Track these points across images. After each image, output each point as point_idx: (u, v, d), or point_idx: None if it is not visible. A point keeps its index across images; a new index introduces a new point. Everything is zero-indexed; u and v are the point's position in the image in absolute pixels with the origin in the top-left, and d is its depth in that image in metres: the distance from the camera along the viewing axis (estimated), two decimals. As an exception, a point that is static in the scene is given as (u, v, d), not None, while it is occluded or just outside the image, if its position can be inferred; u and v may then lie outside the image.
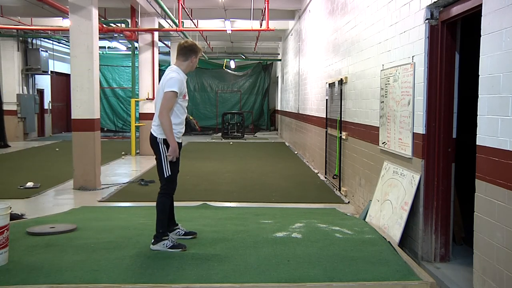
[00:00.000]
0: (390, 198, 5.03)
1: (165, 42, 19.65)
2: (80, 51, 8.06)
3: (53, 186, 8.33)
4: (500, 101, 3.14)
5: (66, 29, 12.87)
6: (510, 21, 3.05)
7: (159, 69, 14.30)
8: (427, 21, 4.31)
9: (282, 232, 4.92)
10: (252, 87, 23.81)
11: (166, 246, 4.28)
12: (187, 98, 4.50)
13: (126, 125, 21.03)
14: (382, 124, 5.50)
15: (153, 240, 4.34)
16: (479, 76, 3.40)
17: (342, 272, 3.81)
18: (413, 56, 4.58)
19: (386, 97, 5.34)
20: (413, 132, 4.60)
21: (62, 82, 21.15)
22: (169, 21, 13.91)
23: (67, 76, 18.85)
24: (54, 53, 19.82)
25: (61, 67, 20.73)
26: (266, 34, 17.37)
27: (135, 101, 13.63)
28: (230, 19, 15.13)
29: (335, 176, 8.15)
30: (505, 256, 3.10)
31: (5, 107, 16.05)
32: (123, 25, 13.50)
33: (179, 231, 4.69)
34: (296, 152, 14.12)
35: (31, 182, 8.31)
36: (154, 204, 4.43)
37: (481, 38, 3.38)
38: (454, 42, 4.32)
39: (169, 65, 3.92)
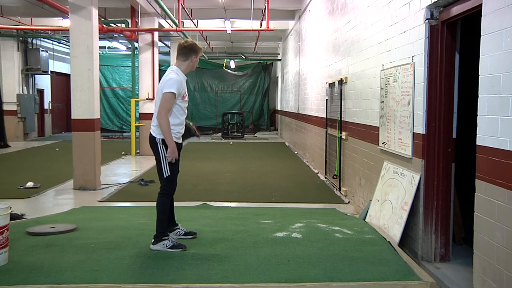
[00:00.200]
0: (390, 198, 5.03)
1: (165, 42, 19.64)
2: (80, 51, 8.06)
3: (53, 186, 8.33)
4: (500, 101, 3.14)
5: (66, 29, 12.87)
6: (510, 21, 3.05)
7: (159, 69, 14.30)
8: (427, 21, 4.31)
9: (282, 232, 4.92)
10: (252, 87, 23.80)
11: (166, 246, 4.28)
12: (186, 99, 4.47)
13: (126, 125, 21.03)
14: (382, 124, 5.50)
15: (153, 240, 4.34)
16: (479, 76, 3.40)
17: (342, 272, 3.81)
18: (413, 56, 4.58)
19: (386, 97, 5.34)
20: (413, 132, 4.60)
21: (62, 82, 21.15)
22: (169, 21, 13.91)
23: (67, 76, 18.85)
24: (54, 53, 19.82)
25: (61, 67, 20.73)
26: (266, 34, 17.37)
27: (135, 101, 13.64)
28: (230, 19, 15.13)
29: (335, 176, 8.15)
30: (505, 256, 3.10)
31: (5, 107, 16.05)
32: (123, 25, 13.50)
33: (179, 231, 4.69)
34: (296, 152, 14.12)
35: (31, 182, 8.31)
36: (154, 204, 4.43)
37: (481, 38, 3.38)
38: (454, 42, 4.32)
39: (169, 65, 3.91)
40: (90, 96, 8.10)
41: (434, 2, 4.16)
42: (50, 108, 20.32)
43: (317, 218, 5.71)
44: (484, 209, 3.34)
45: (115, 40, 18.17)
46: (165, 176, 4.34)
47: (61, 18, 14.41)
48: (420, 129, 4.45)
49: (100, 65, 12.58)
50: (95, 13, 8.16)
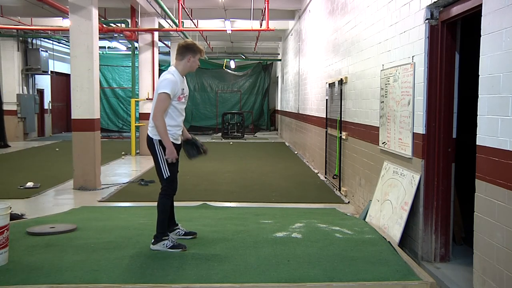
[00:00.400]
0: (390, 198, 5.03)
1: (165, 42, 19.65)
2: (80, 51, 8.06)
3: (53, 186, 8.33)
4: (500, 101, 3.14)
5: (66, 29, 12.87)
6: (510, 21, 3.05)
7: (159, 69, 14.30)
8: (427, 21, 4.31)
9: (282, 232, 4.92)
10: (252, 87, 23.80)
11: (166, 246, 4.28)
12: (183, 100, 4.40)
13: (126, 125, 21.02)
14: (382, 124, 5.50)
15: (153, 240, 4.34)
16: (479, 76, 3.40)
17: (342, 272, 3.81)
18: (413, 56, 4.58)
19: (386, 97, 5.34)
20: (413, 132, 4.60)
21: (62, 82, 21.15)
22: (169, 21, 13.91)
23: (67, 76, 18.85)
24: (54, 53, 19.82)
25: (61, 67, 20.73)
26: (266, 34, 17.37)
27: (135, 101, 13.64)
28: (230, 19, 15.13)
29: (335, 176, 8.15)
30: (505, 256, 3.10)
31: (5, 107, 16.05)
32: (123, 25, 13.50)
33: (179, 231, 4.69)
34: (296, 152, 14.12)
35: (31, 182, 8.31)
36: (154, 204, 4.42)
37: (481, 38, 3.37)
38: (454, 42, 4.32)
39: (169, 65, 3.89)
40: (90, 96, 8.10)
41: (434, 2, 4.16)
42: (50, 108, 20.33)
43: (317, 218, 5.71)
44: (484, 209, 3.34)
45: (115, 40, 18.18)
46: (165, 177, 4.32)
47: (61, 18, 14.41)
48: (420, 129, 4.45)
49: (100, 65, 12.58)
50: (95, 13, 8.16)
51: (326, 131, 8.93)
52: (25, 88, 17.76)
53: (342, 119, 7.60)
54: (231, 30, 14.51)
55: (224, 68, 23.61)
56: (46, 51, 18.53)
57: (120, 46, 20.14)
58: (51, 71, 19.44)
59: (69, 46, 9.62)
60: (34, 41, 18.26)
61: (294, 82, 15.34)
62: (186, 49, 4.40)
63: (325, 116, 9.03)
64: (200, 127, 22.53)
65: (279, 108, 21.86)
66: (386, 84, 5.32)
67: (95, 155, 8.20)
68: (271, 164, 11.46)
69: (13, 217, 5.44)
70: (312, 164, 11.14)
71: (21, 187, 8.08)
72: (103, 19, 13.19)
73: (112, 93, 22.09)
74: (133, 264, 3.97)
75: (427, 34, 4.32)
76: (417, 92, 4.51)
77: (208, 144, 5.24)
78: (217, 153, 13.88)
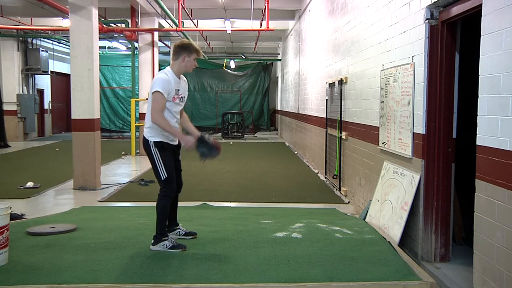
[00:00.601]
0: (390, 198, 5.03)
1: (165, 42, 19.64)
2: (80, 51, 8.06)
3: (53, 186, 8.33)
4: (500, 101, 3.14)
5: (66, 29, 12.88)
6: (510, 21, 3.05)
7: (159, 69, 14.27)
8: (427, 21, 4.31)
9: (282, 232, 4.92)
10: (252, 87, 23.80)
11: (166, 247, 4.27)
12: (177, 101, 4.33)
13: (126, 125, 21.02)
14: (382, 124, 5.50)
15: (152, 241, 4.33)
16: (479, 76, 3.40)
17: (342, 272, 3.81)
18: (413, 56, 4.58)
19: (386, 97, 5.34)
20: (413, 132, 4.60)
21: (62, 82, 21.14)
22: (169, 21, 13.91)
23: (67, 76, 18.84)
24: (54, 53, 19.81)
25: (61, 67, 20.72)
26: (266, 34, 17.37)
27: (135, 101, 13.64)
28: (230, 19, 15.13)
29: (335, 176, 8.15)
30: (505, 256, 3.10)
31: (5, 107, 16.05)
32: (123, 25, 13.50)
33: (179, 231, 4.68)
34: (296, 152, 14.12)
35: (31, 182, 8.31)
36: (154, 204, 4.41)
37: (481, 38, 3.37)
38: (454, 42, 4.32)
39: (169, 65, 3.86)
40: (90, 96, 8.10)
41: (434, 2, 4.16)
42: (50, 108, 20.32)
43: (317, 218, 5.71)
44: (484, 209, 3.34)
45: (115, 40, 18.17)
46: (162, 179, 4.29)
47: (61, 18, 14.41)
48: (420, 129, 4.45)
49: (100, 65, 12.58)
50: (95, 13, 8.16)
51: (326, 131, 8.93)
52: (25, 88, 17.76)
53: (342, 119, 7.60)
54: (231, 30, 14.50)
55: (224, 68, 23.61)
56: (46, 51, 18.53)
57: (120, 46, 20.13)
58: (51, 71, 19.44)
59: (69, 46, 9.62)
60: (34, 41, 18.26)
61: (294, 82, 15.34)
62: (181, 49, 4.35)
63: (325, 116, 9.03)
64: (200, 127, 22.52)
65: (279, 108, 21.86)
66: (386, 84, 5.32)
67: (95, 155, 8.20)
68: (271, 164, 11.46)
69: (13, 217, 5.44)
70: (312, 164, 11.14)
71: (21, 187, 8.08)
72: (103, 19, 13.19)
73: (112, 93, 22.07)
74: (133, 264, 3.97)
75: (427, 34, 4.32)
76: (417, 92, 4.51)
77: (208, 144, 5.23)
78: (217, 153, 13.86)
